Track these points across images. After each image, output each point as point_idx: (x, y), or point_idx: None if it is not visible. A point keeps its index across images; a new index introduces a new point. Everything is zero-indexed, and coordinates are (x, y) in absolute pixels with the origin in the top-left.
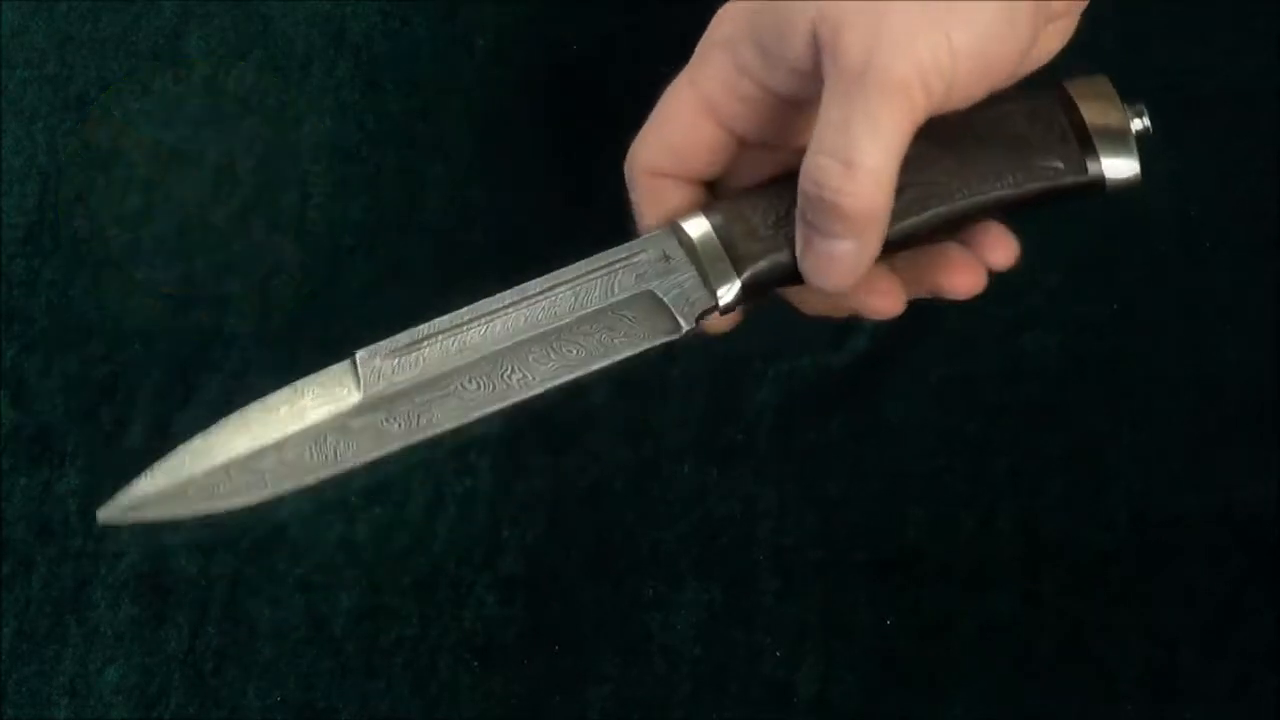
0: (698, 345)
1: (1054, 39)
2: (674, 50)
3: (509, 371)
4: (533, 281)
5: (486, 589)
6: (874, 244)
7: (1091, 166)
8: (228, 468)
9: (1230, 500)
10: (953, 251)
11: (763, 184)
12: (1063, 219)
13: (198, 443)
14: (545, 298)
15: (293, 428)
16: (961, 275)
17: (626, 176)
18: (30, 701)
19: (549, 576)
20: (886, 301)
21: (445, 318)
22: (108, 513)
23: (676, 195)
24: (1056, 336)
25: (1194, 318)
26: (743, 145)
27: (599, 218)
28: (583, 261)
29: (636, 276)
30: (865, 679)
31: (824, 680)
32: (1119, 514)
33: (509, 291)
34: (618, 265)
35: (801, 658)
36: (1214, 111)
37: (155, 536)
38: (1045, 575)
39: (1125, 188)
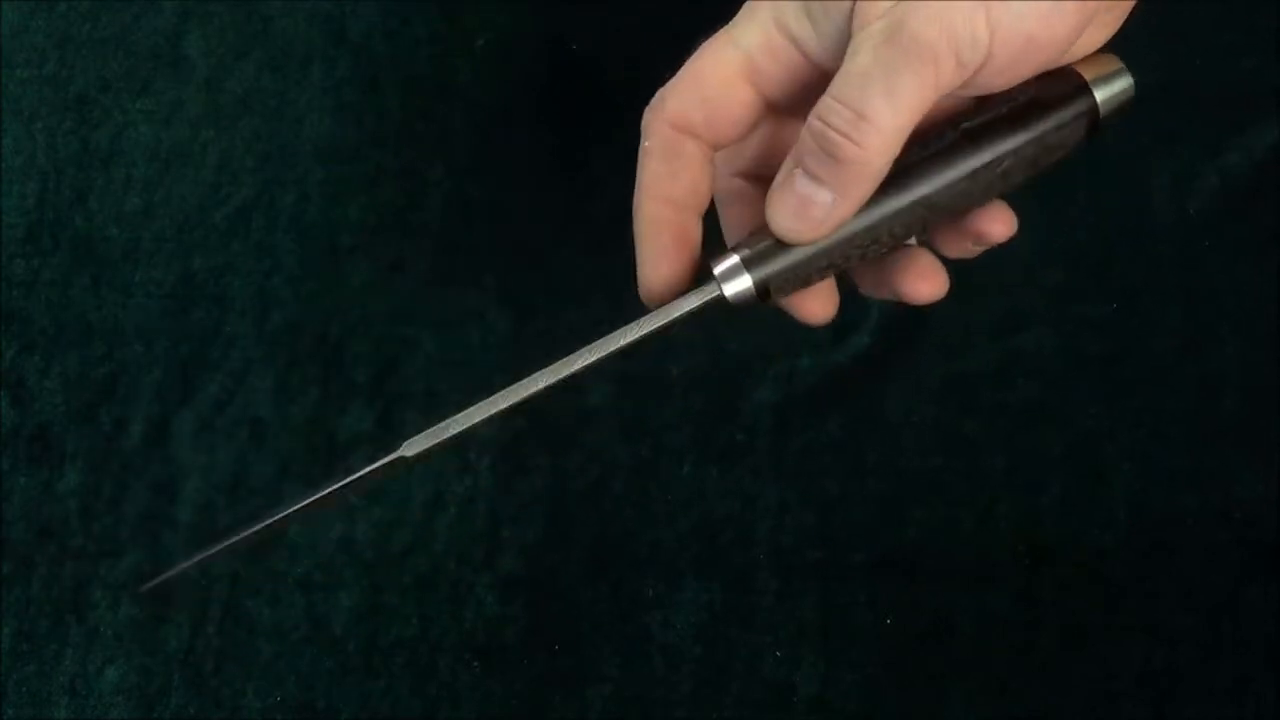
0: (698, 344)
1: (1100, 31)
2: (674, 50)
3: None
4: (569, 358)
5: (486, 589)
6: (852, 204)
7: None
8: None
9: (1229, 499)
10: (920, 258)
11: None
12: (1063, 218)
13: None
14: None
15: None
16: (926, 282)
17: (645, 124)
18: (30, 701)
19: (549, 576)
20: (822, 308)
21: (486, 402)
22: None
23: (689, 162)
24: (1055, 336)
25: (1194, 318)
26: (768, 111)
27: (598, 217)
28: (616, 333)
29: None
30: (865, 679)
31: (824, 680)
32: (1118, 513)
33: (543, 371)
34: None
35: (801, 658)
36: (1214, 111)
37: (155, 536)
38: (1044, 574)
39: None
